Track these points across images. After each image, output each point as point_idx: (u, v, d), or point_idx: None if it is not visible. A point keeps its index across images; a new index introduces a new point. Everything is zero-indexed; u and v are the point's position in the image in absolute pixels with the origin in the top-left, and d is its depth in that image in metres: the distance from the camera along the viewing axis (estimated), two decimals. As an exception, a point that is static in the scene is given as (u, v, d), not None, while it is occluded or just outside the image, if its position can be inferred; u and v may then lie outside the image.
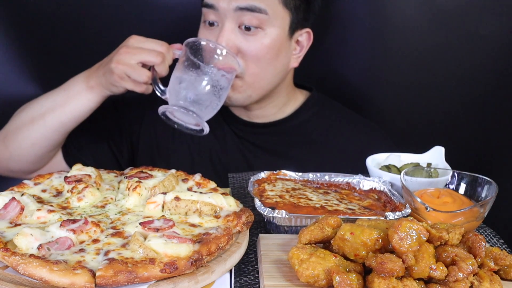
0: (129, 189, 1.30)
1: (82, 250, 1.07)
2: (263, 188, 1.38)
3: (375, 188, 1.45)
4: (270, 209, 1.23)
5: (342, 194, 1.42)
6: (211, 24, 1.73)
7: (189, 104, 1.57)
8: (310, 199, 1.32)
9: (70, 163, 1.85)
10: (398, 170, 1.51)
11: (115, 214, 1.24)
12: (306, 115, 1.94)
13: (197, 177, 1.41)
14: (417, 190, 1.34)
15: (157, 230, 1.12)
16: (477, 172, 1.36)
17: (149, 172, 1.42)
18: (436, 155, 1.53)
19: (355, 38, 2.13)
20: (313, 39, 1.85)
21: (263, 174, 1.47)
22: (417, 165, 1.50)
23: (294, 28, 1.77)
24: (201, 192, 1.29)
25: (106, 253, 1.06)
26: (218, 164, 1.91)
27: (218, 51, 1.61)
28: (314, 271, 0.99)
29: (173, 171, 1.43)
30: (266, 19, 1.68)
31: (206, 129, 1.61)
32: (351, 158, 1.74)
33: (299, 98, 1.97)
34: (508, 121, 2.11)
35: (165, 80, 1.63)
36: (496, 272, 1.05)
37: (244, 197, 1.50)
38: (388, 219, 1.22)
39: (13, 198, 1.21)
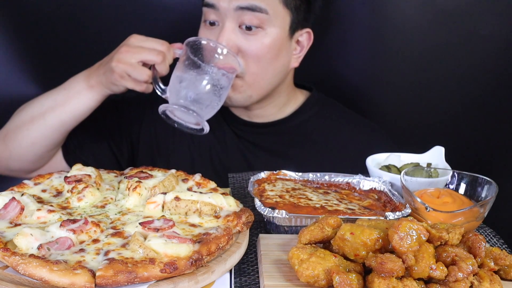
0: (129, 189, 1.30)
1: (82, 250, 1.07)
2: (263, 188, 1.38)
3: (375, 188, 1.45)
4: (270, 209, 1.23)
5: (342, 194, 1.42)
6: (212, 23, 1.73)
7: (190, 103, 1.58)
8: (310, 199, 1.32)
9: (70, 163, 1.85)
10: (398, 170, 1.51)
11: (115, 214, 1.25)
12: (306, 115, 1.94)
13: (197, 177, 1.41)
14: (417, 190, 1.34)
15: (157, 230, 1.12)
16: (477, 172, 1.36)
17: (149, 172, 1.42)
18: (436, 155, 1.53)
19: (355, 38, 2.13)
20: (313, 39, 1.85)
21: (263, 174, 1.47)
22: (417, 165, 1.50)
23: (294, 28, 1.77)
24: (201, 192, 1.29)
25: (106, 253, 1.06)
26: (218, 164, 1.91)
27: (219, 51, 1.61)
28: (314, 271, 0.99)
29: (173, 171, 1.43)
30: (267, 18, 1.69)
31: (206, 128, 1.61)
32: (351, 158, 1.74)
33: (299, 98, 1.97)
34: (508, 121, 2.11)
35: (166, 80, 1.63)
36: (496, 272, 1.05)
37: (244, 197, 1.50)
38: (388, 219, 1.22)
39: (13, 198, 1.21)
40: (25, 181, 1.36)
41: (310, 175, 1.49)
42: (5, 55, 2.09)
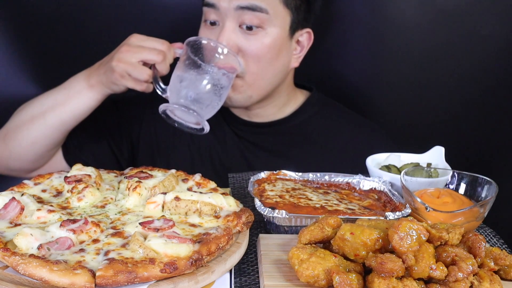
0: (129, 189, 1.30)
1: (82, 250, 1.07)
2: (263, 188, 1.38)
3: (375, 188, 1.45)
4: (270, 209, 1.23)
5: (342, 194, 1.42)
6: (212, 23, 1.73)
7: (190, 102, 1.58)
8: (310, 199, 1.32)
9: (70, 162, 1.85)
10: (398, 170, 1.51)
11: (115, 214, 1.25)
12: (306, 115, 1.94)
13: (197, 177, 1.41)
14: (417, 190, 1.34)
15: (157, 230, 1.12)
16: (477, 172, 1.36)
17: (149, 172, 1.42)
18: (436, 155, 1.53)
19: (355, 38, 2.13)
20: (314, 39, 1.85)
21: (263, 174, 1.47)
22: (417, 165, 1.50)
23: (294, 28, 1.77)
24: (201, 192, 1.29)
25: (106, 253, 1.06)
26: (218, 164, 1.91)
27: (219, 50, 1.61)
28: (314, 271, 0.99)
29: (173, 171, 1.43)
30: (267, 18, 1.69)
31: (207, 128, 1.61)
32: (351, 158, 1.74)
33: (299, 98, 1.97)
34: (508, 121, 2.11)
35: (166, 79, 1.63)
36: (496, 272, 1.05)
37: (244, 197, 1.50)
38: (388, 219, 1.22)
39: (13, 198, 1.21)
40: (25, 181, 1.36)
41: (310, 175, 1.49)
42: (5, 55, 2.09)
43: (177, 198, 1.25)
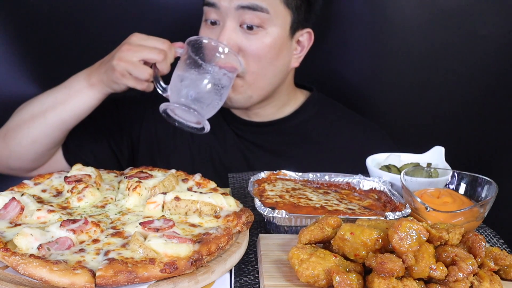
0: (129, 189, 1.30)
1: (82, 250, 1.07)
2: (263, 188, 1.38)
3: (375, 188, 1.45)
4: (270, 209, 1.23)
5: (342, 194, 1.42)
6: (213, 23, 1.73)
7: (191, 102, 1.58)
8: (310, 199, 1.32)
9: (70, 161, 1.85)
10: (398, 170, 1.51)
11: (115, 214, 1.25)
12: (307, 115, 1.94)
13: (197, 177, 1.41)
14: (417, 190, 1.34)
15: (157, 230, 1.12)
16: (477, 172, 1.36)
17: (149, 172, 1.42)
18: (436, 155, 1.53)
19: (355, 38, 2.13)
20: (314, 39, 1.85)
21: (263, 174, 1.47)
22: (417, 165, 1.50)
23: (295, 27, 1.77)
24: (201, 192, 1.29)
25: (106, 253, 1.06)
26: (218, 164, 1.91)
27: (220, 50, 1.61)
28: (314, 271, 0.99)
29: (173, 171, 1.43)
30: (268, 18, 1.69)
31: (207, 127, 1.61)
32: (351, 158, 1.74)
33: (299, 98, 1.97)
34: (508, 121, 2.11)
35: (167, 79, 1.63)
36: (496, 272, 1.05)
37: (244, 197, 1.50)
38: (388, 219, 1.22)
39: (13, 198, 1.21)
40: (25, 181, 1.36)
41: (310, 175, 1.49)
42: (5, 55, 2.09)
43: (177, 198, 1.25)
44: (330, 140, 1.92)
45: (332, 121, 1.96)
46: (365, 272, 1.01)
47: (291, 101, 1.94)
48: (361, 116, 2.01)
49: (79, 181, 1.34)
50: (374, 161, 1.56)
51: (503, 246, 1.30)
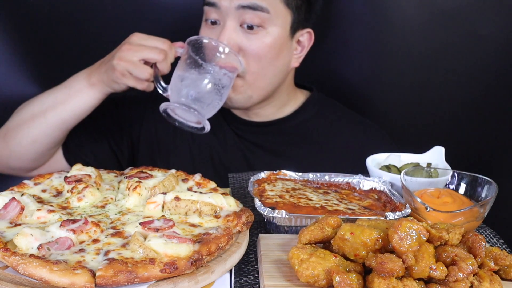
0: (129, 189, 1.30)
1: (82, 250, 1.07)
2: (263, 188, 1.38)
3: (375, 188, 1.45)
4: (270, 209, 1.23)
5: (342, 194, 1.42)
6: (213, 22, 1.73)
7: (191, 101, 1.58)
8: (310, 199, 1.32)
9: (70, 161, 1.85)
10: (398, 170, 1.51)
11: (115, 214, 1.25)
12: (307, 114, 1.94)
13: (197, 177, 1.41)
14: (417, 190, 1.34)
15: (157, 230, 1.12)
16: (477, 172, 1.36)
17: (149, 172, 1.42)
18: (436, 155, 1.53)
19: (355, 38, 2.13)
20: (314, 39, 1.85)
21: (263, 174, 1.47)
22: (417, 165, 1.50)
23: (295, 27, 1.77)
24: (201, 192, 1.29)
25: (106, 253, 1.06)
26: (218, 164, 1.91)
27: (220, 49, 1.61)
28: (314, 271, 0.99)
29: (173, 171, 1.43)
30: (268, 18, 1.69)
31: (207, 127, 1.61)
32: (351, 158, 1.74)
33: (299, 98, 1.97)
34: (508, 121, 2.11)
35: (167, 78, 1.63)
36: (496, 272, 1.05)
37: (244, 197, 1.50)
38: (388, 219, 1.22)
39: (13, 198, 1.21)
40: (25, 181, 1.36)
41: (310, 175, 1.49)
42: (5, 55, 2.09)
43: (177, 198, 1.25)
44: (330, 140, 1.92)
45: (332, 121, 1.96)
46: (365, 272, 1.01)
47: (291, 101, 1.94)
48: (361, 116, 2.01)
49: (79, 181, 1.34)
50: (374, 161, 1.56)
51: (503, 246, 1.30)
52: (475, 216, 1.25)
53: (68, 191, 1.31)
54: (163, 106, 1.60)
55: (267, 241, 1.19)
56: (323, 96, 2.01)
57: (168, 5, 2.09)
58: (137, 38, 1.62)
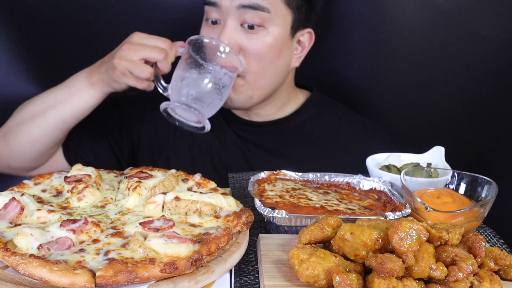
0: (129, 189, 1.30)
1: (82, 250, 1.07)
2: (263, 188, 1.38)
3: (375, 188, 1.45)
4: (270, 209, 1.23)
5: (342, 194, 1.42)
6: (214, 22, 1.74)
7: (191, 101, 1.58)
8: (310, 199, 1.32)
9: (71, 161, 1.85)
10: (398, 170, 1.51)
11: (115, 214, 1.25)
12: (307, 114, 1.94)
13: (197, 177, 1.41)
14: (417, 190, 1.34)
15: (157, 230, 1.12)
16: (477, 172, 1.36)
17: (149, 172, 1.42)
18: (436, 155, 1.53)
19: (356, 38, 2.13)
20: (314, 39, 1.85)
21: (263, 174, 1.47)
22: (417, 165, 1.50)
23: (296, 27, 1.77)
24: (201, 192, 1.29)
25: (106, 253, 1.06)
26: (218, 164, 1.92)
27: (221, 49, 1.61)
28: (314, 271, 0.99)
29: (173, 171, 1.43)
30: (269, 17, 1.69)
31: (208, 126, 1.61)
32: (351, 158, 1.74)
33: (299, 98, 1.97)
34: (508, 121, 2.11)
35: (167, 78, 1.63)
36: (496, 272, 1.05)
37: (244, 197, 1.50)
38: (388, 219, 1.22)
39: (13, 198, 1.21)
40: (25, 181, 1.36)
41: (310, 175, 1.49)
42: (5, 55, 2.09)
43: (177, 198, 1.25)
44: (330, 140, 1.92)
45: (333, 121, 1.96)
46: (365, 272, 1.01)
47: (292, 101, 1.94)
48: (361, 116, 2.02)
49: (79, 181, 1.34)
50: (374, 161, 1.56)
51: (503, 246, 1.30)
52: (475, 216, 1.25)
53: (68, 191, 1.31)
54: (163, 105, 1.60)
55: (267, 241, 1.19)
56: (323, 96, 2.01)
57: (168, 5, 2.09)
58: (138, 37, 1.62)
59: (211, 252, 1.08)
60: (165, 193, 1.28)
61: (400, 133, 2.14)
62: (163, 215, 1.23)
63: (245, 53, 1.70)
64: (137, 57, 1.58)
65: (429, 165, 1.47)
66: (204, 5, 1.75)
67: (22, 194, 1.25)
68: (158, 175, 1.40)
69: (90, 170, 1.39)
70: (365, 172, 1.52)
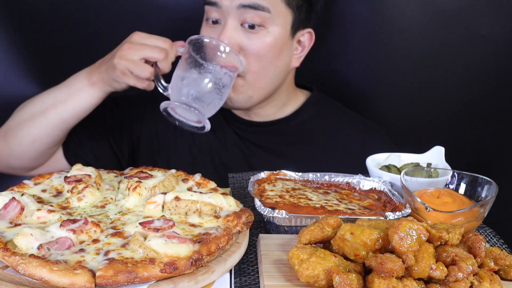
0: (129, 189, 1.30)
1: (82, 250, 1.07)
2: (263, 188, 1.38)
3: (375, 188, 1.45)
4: (270, 209, 1.23)
5: (342, 194, 1.42)
6: (214, 22, 1.74)
7: (191, 100, 1.58)
8: (310, 199, 1.32)
9: (71, 160, 1.85)
10: (398, 170, 1.51)
11: (115, 214, 1.25)
12: (307, 114, 1.94)
13: (197, 177, 1.41)
14: (417, 190, 1.34)
15: (157, 230, 1.12)
16: (477, 172, 1.36)
17: (149, 172, 1.42)
18: (436, 155, 1.53)
19: (356, 38, 2.13)
20: (314, 39, 1.85)
21: (263, 174, 1.47)
22: (417, 165, 1.50)
23: (296, 27, 1.78)
24: (201, 192, 1.29)
25: (106, 253, 1.06)
26: (218, 164, 1.92)
27: (221, 49, 1.61)
28: (314, 271, 0.99)
29: (173, 171, 1.43)
30: (269, 17, 1.69)
31: (208, 126, 1.61)
32: (351, 158, 1.74)
33: (299, 98, 1.97)
34: (508, 121, 2.11)
35: (167, 78, 1.63)
36: (496, 272, 1.05)
37: (244, 197, 1.50)
38: (388, 219, 1.22)
39: (13, 198, 1.21)
40: (25, 181, 1.36)
41: (310, 175, 1.49)
42: (5, 55, 2.09)
43: (177, 198, 1.25)
44: (330, 140, 1.92)
45: (332, 121, 1.96)
46: (365, 272, 1.01)
47: (292, 101, 1.94)
48: (361, 116, 2.02)
49: (79, 181, 1.34)
50: (374, 161, 1.56)
51: (503, 246, 1.30)
52: (475, 216, 1.25)
53: (68, 191, 1.31)
54: (163, 105, 1.60)
55: (267, 241, 1.19)
56: (324, 96, 2.01)
57: (168, 5, 2.09)
58: (138, 37, 1.62)
59: (211, 252, 1.08)
60: (165, 193, 1.28)
61: (400, 133, 2.14)
62: (163, 215, 1.23)
63: (245, 53, 1.70)
64: (138, 57, 1.58)
65: (429, 165, 1.47)
66: (204, 5, 1.75)
67: (22, 194, 1.25)
68: (158, 175, 1.40)
69: (90, 170, 1.39)
70: (365, 172, 1.52)
